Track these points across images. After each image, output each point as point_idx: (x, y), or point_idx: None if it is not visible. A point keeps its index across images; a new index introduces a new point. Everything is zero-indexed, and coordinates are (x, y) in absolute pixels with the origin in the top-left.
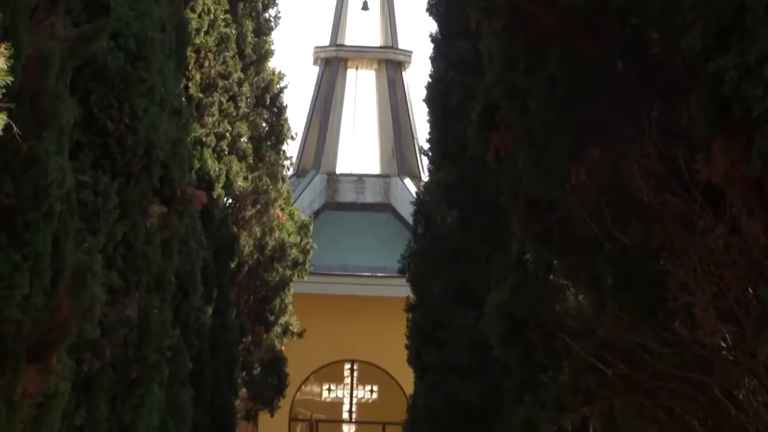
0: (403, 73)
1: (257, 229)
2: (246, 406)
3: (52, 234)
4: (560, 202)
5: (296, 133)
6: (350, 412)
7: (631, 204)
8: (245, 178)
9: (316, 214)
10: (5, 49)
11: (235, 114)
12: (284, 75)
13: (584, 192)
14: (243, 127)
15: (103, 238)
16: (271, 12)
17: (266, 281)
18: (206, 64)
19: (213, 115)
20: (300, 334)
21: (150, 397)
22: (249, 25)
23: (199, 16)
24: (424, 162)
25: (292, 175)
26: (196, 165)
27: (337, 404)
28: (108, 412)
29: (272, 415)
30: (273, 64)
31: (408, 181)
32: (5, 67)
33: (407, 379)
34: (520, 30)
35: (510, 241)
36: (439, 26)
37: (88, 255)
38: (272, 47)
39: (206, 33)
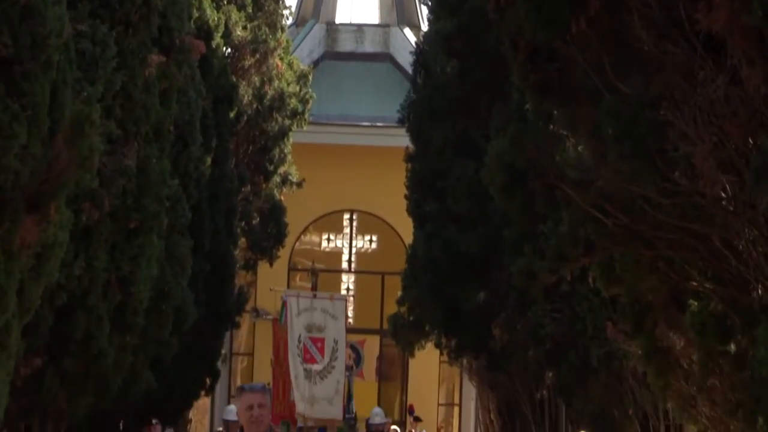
0: None
1: (256, 78)
2: (245, 255)
3: (50, 84)
4: (560, 52)
5: None
6: (349, 261)
7: (632, 53)
8: (244, 28)
9: (316, 63)
10: None
11: None
12: None
13: (585, 41)
14: None
15: (102, 87)
16: None
17: (265, 131)
18: None
19: None
20: (299, 184)
21: (149, 246)
22: None
23: None
24: (424, 11)
25: (291, 25)
26: (195, 14)
27: (337, 254)
28: (107, 262)
29: (271, 265)
30: None
31: (407, 31)
32: None
33: (406, 229)
34: None
35: (510, 91)
36: None
37: (87, 104)
38: None
39: None
